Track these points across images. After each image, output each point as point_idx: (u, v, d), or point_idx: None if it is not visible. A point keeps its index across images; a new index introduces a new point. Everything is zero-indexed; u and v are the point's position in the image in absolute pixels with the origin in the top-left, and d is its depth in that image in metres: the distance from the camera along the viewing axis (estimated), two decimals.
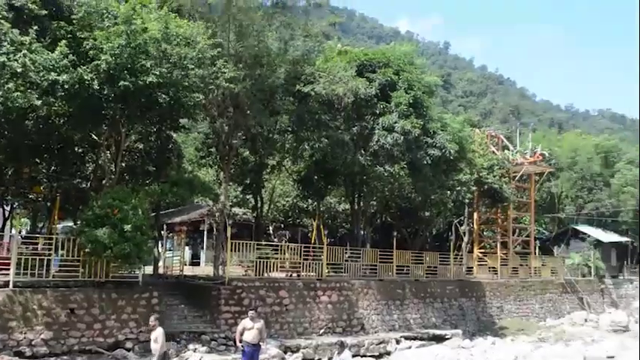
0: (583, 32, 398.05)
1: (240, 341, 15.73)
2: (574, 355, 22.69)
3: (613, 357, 26.46)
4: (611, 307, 44.62)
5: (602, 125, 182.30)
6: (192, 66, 19.97)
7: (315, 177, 30.12)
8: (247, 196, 33.30)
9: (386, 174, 27.42)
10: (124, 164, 23.68)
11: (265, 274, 24.13)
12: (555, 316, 38.73)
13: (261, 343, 16.04)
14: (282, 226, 38.01)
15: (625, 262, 54.80)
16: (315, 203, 33.82)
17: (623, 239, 55.19)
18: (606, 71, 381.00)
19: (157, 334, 14.29)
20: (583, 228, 52.91)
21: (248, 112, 24.10)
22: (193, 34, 20.53)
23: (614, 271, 50.48)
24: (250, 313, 16.13)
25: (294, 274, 25.75)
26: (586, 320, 37.85)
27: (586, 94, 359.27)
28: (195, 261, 35.20)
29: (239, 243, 24.24)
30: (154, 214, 24.42)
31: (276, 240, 33.73)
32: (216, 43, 22.03)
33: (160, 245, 29.68)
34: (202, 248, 35.47)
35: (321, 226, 34.20)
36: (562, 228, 55.24)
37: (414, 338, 25.68)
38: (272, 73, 24.54)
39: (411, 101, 27.65)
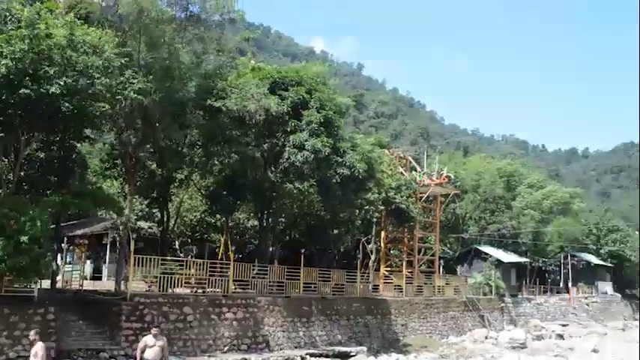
0: (490, 60, 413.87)
1: (141, 359, 15.29)
2: None
3: None
4: (510, 324, 46.16)
5: (505, 150, 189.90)
6: (99, 75, 19.40)
7: (224, 192, 29.78)
8: (153, 210, 32.56)
9: (295, 191, 27.52)
10: (22, 173, 22.64)
11: (169, 290, 23.60)
12: (457, 333, 39.68)
13: None
14: (190, 241, 37.34)
15: (524, 281, 57.05)
16: (224, 219, 33.47)
17: (523, 259, 57.46)
18: (511, 98, 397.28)
19: (37, 349, 13.64)
20: (485, 248, 54.69)
21: (157, 124, 23.66)
22: (101, 42, 19.97)
23: (513, 290, 52.35)
24: (153, 330, 15.74)
25: (200, 290, 25.29)
26: (486, 337, 38.91)
27: (491, 120, 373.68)
28: (96, 275, 33.96)
29: (143, 258, 23.60)
30: (53, 226, 23.47)
31: (182, 255, 33.05)
32: (125, 53, 21.54)
33: (59, 258, 28.56)
34: (105, 262, 34.30)
35: (229, 242, 33.86)
36: (465, 248, 56.93)
37: (319, 355, 25.71)
38: (183, 87, 24.23)
39: (322, 120, 27.82)
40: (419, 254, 44.93)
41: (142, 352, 15.22)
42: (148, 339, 15.41)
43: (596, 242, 68.97)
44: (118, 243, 26.90)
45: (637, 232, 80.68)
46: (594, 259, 66.32)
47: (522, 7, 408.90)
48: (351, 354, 27.17)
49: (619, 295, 66.09)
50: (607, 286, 66.25)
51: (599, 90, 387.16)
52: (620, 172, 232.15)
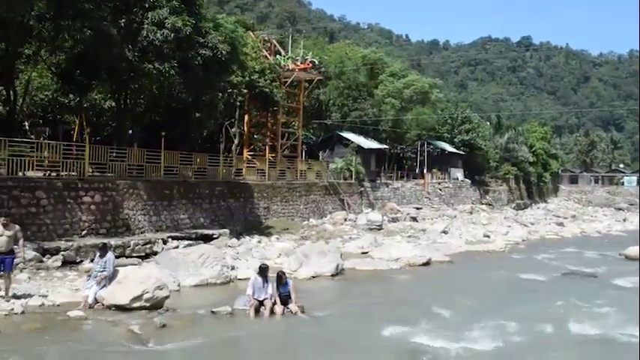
0: None
1: None
2: (332, 251, 24.14)
3: (367, 252, 28.80)
4: (368, 207, 48.10)
5: (370, 38, 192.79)
6: None
7: (77, 71, 28.06)
8: None
9: (155, 72, 26.34)
10: None
11: (20, 174, 22.30)
12: (318, 216, 40.95)
13: (15, 248, 15.15)
14: (41, 122, 35.16)
15: (383, 167, 59.25)
16: (78, 99, 31.71)
17: (382, 146, 59.41)
18: None
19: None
20: (347, 135, 55.90)
21: None
22: None
23: (372, 176, 54.28)
24: (2, 219, 15.03)
25: (53, 174, 24.10)
26: (345, 220, 40.46)
27: (358, 8, 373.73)
28: None
29: None
30: None
31: (33, 137, 31.15)
32: None
33: None
34: None
35: (84, 124, 32.32)
36: (328, 134, 57.91)
37: (182, 238, 25.70)
38: None
39: None
40: (282, 139, 45.21)
41: None
42: None
43: (450, 131, 72.25)
44: None
45: (487, 123, 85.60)
46: (448, 147, 69.73)
47: None
48: (214, 236, 27.45)
49: (469, 181, 70.36)
50: (458, 173, 70.24)
51: None
52: (477, 65, 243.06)
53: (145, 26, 25.68)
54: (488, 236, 39.29)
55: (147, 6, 26.00)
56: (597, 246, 37.06)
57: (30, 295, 15.57)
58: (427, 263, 26.16)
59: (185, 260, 20.21)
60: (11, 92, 26.69)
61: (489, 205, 68.28)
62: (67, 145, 25.19)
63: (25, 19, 24.13)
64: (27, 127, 33.10)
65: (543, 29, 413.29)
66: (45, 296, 15.73)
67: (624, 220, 64.00)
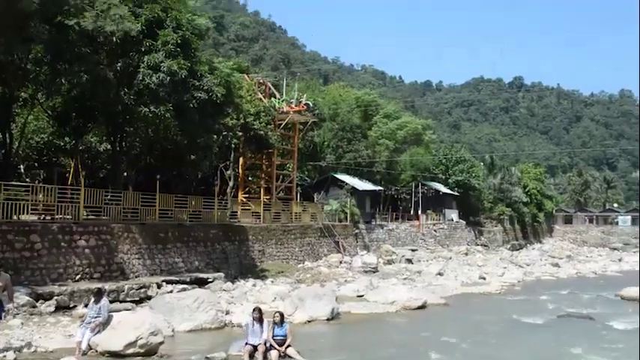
0: None
1: None
2: (328, 294, 23.98)
3: (362, 295, 28.61)
4: (364, 249, 47.94)
5: (364, 80, 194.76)
6: None
7: (74, 114, 28.22)
8: None
9: (150, 115, 26.45)
10: None
11: (14, 217, 22.21)
12: (313, 259, 40.73)
13: (2, 299, 14.73)
14: (37, 165, 35.21)
15: (377, 208, 59.24)
16: (74, 142, 31.81)
17: (377, 187, 59.46)
18: (371, 29, 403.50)
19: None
20: (341, 176, 56.02)
21: None
22: None
23: (367, 217, 54.25)
24: None
25: (48, 217, 24.02)
26: (341, 262, 40.33)
27: (352, 49, 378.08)
28: None
29: None
30: None
31: (28, 180, 31.15)
32: None
33: None
34: None
35: (80, 167, 32.33)
36: (323, 176, 57.95)
37: (177, 282, 25.42)
38: None
39: (179, 41, 26.63)
40: (277, 181, 45.27)
41: None
42: None
43: (444, 172, 72.53)
44: None
45: (481, 163, 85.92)
46: (443, 188, 69.90)
47: None
48: (209, 280, 27.18)
49: (463, 222, 70.34)
50: (453, 214, 70.27)
51: (454, 23, 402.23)
52: (470, 106, 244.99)
53: (141, 70, 25.90)
54: (484, 278, 39.17)
55: (143, 50, 26.25)
56: (593, 287, 36.97)
57: (22, 342, 15.36)
58: (423, 306, 25.99)
59: (179, 305, 20.02)
60: (7, 135, 26.76)
61: (484, 246, 68.18)
62: (62, 188, 25.17)
63: (22, 63, 24.34)
64: (22, 170, 33.12)
65: (535, 70, 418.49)
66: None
67: (620, 260, 63.86)
